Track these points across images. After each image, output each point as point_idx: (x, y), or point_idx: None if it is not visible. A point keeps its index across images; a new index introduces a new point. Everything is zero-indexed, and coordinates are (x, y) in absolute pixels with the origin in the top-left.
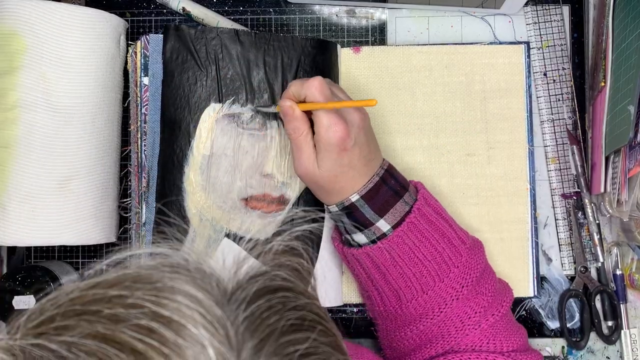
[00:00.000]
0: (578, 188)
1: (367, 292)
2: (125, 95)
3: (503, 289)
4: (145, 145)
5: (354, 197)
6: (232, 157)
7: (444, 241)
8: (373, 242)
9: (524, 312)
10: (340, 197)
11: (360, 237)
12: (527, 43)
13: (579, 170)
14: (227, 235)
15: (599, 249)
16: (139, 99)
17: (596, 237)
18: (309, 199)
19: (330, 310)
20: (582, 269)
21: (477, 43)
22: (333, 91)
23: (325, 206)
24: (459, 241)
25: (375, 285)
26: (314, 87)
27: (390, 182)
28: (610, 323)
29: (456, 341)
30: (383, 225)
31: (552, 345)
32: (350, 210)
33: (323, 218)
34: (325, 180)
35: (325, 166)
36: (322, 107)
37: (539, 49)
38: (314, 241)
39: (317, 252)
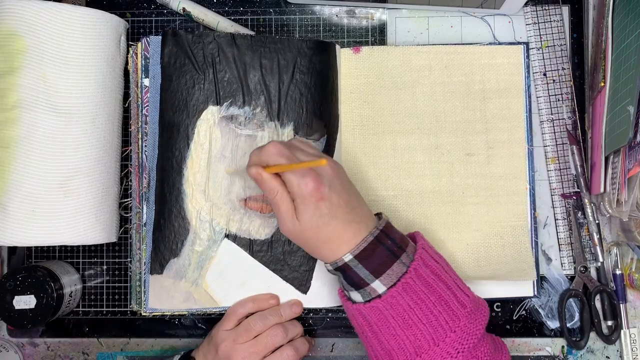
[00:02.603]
0: (578, 188)
1: (364, 345)
2: (126, 96)
3: (500, 349)
4: (146, 145)
5: (347, 257)
6: (231, 159)
7: (440, 304)
8: (368, 301)
9: (523, 312)
10: (332, 254)
11: (356, 296)
12: (527, 43)
13: (579, 170)
14: (227, 236)
15: (598, 248)
16: (139, 99)
17: (596, 237)
18: None
19: (330, 310)
20: (581, 269)
21: (476, 43)
22: (295, 147)
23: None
24: (458, 305)
25: (369, 342)
26: (271, 153)
27: (387, 242)
28: (610, 323)
29: None
30: (379, 286)
31: (552, 345)
32: (344, 270)
33: None
34: (307, 233)
35: (304, 219)
36: (283, 169)
37: (538, 49)
38: None
39: None
